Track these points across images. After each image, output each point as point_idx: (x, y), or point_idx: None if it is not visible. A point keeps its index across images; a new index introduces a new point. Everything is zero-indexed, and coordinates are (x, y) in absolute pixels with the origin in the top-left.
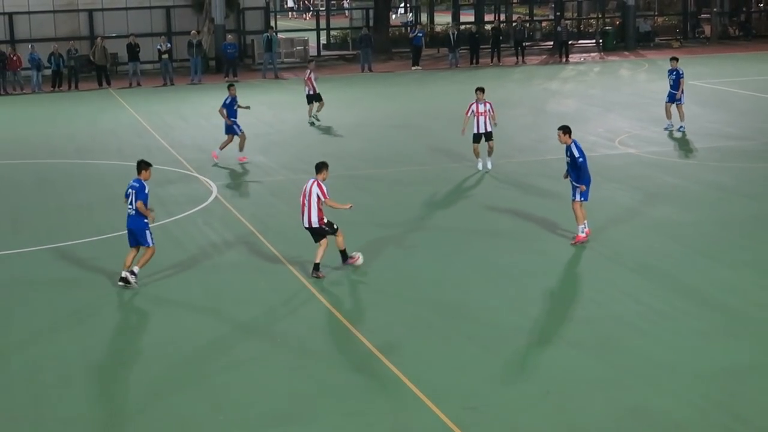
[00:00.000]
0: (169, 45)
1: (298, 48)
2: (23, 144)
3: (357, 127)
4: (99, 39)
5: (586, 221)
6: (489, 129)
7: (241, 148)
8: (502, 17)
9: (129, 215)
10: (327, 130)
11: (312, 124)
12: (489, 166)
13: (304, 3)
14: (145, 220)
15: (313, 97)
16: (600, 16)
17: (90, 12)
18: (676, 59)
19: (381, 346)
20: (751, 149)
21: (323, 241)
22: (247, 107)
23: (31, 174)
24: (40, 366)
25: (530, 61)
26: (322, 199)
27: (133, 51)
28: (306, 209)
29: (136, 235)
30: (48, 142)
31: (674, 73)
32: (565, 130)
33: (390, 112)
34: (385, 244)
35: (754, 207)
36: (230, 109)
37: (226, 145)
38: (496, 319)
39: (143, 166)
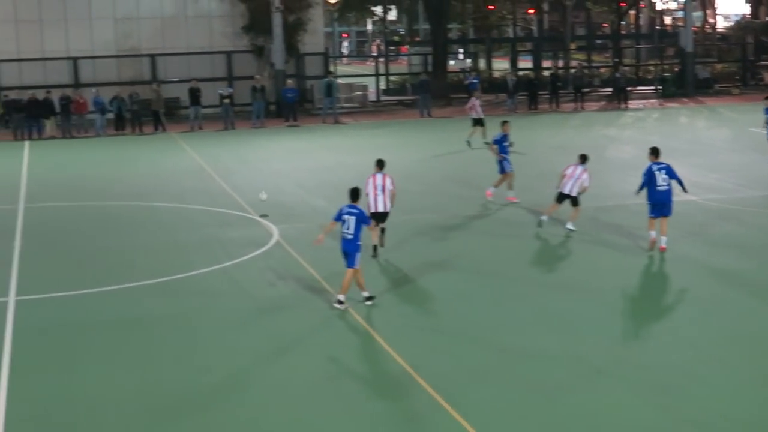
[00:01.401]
0: (231, 90)
1: (357, 93)
2: (87, 186)
3: (416, 171)
4: (155, 84)
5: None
6: (574, 193)
7: (510, 187)
8: (560, 63)
9: (345, 239)
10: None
11: (468, 144)
12: (571, 226)
13: (362, 49)
14: (359, 243)
15: (478, 122)
16: (659, 62)
17: (152, 57)
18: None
19: (445, 394)
20: None
21: (381, 227)
22: (508, 145)
23: (95, 216)
24: (101, 407)
25: (589, 107)
26: (390, 188)
27: (194, 95)
28: (379, 197)
29: (349, 257)
30: (111, 184)
31: None
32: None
33: (449, 157)
34: (444, 288)
35: None
36: (501, 145)
37: (500, 183)
38: (556, 366)
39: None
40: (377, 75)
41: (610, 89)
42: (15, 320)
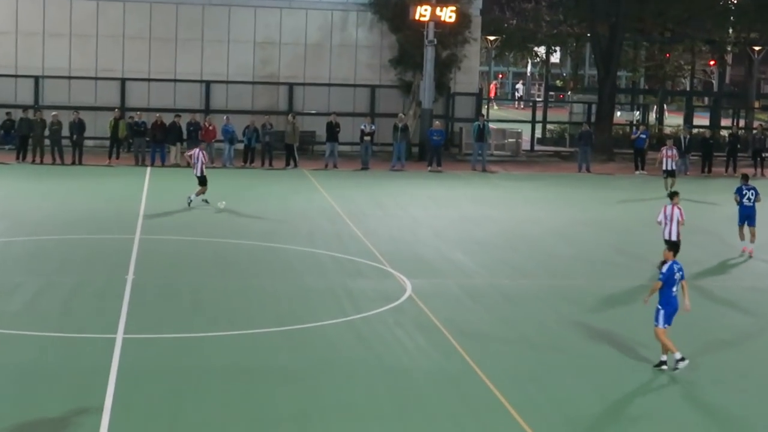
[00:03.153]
0: (373, 127)
1: (509, 140)
2: (209, 221)
3: (569, 231)
4: (290, 116)
5: None
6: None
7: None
8: (741, 123)
9: (674, 299)
10: (536, 232)
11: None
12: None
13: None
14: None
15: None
16: None
17: (290, 86)
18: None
19: None
20: None
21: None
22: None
23: (214, 253)
24: None
25: None
26: (681, 220)
27: (332, 130)
28: (670, 227)
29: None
30: (234, 220)
31: None
32: None
33: (607, 217)
34: (597, 368)
35: None
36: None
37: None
38: None
39: None
40: (533, 122)
41: None
42: (121, 360)
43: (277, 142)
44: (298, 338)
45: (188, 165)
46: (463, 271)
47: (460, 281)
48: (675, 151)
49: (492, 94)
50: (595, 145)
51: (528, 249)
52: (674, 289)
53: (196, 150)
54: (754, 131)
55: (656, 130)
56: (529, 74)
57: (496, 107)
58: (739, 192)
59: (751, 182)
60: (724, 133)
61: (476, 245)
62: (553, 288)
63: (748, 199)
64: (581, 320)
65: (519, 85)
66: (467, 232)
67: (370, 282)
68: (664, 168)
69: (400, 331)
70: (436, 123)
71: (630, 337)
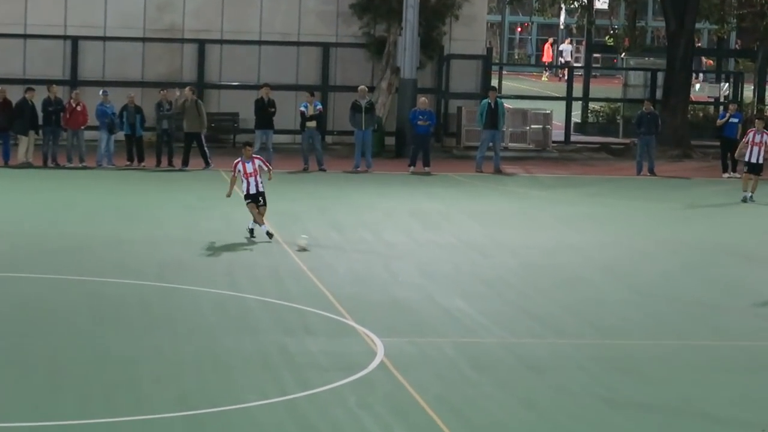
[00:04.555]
0: (320, 106)
1: (533, 127)
2: (77, 251)
3: (622, 267)
4: (188, 90)
5: None
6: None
7: None
8: None
9: None
10: (575, 268)
11: None
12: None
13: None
14: None
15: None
16: None
17: (200, 44)
18: None
19: None
20: None
21: None
22: None
23: (87, 300)
24: None
25: None
26: None
27: (264, 111)
28: None
29: None
30: (116, 251)
31: None
32: None
33: (682, 244)
34: None
35: None
36: None
37: None
38: None
39: None
40: (569, 99)
41: None
42: None
43: (179, 129)
44: (209, 428)
45: (46, 165)
46: (463, 326)
47: (458, 341)
48: (766, 138)
49: (548, 58)
50: (662, 135)
51: (562, 292)
52: None
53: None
54: None
55: (754, 111)
56: (562, 27)
57: (698, 87)
58: None
59: None
60: None
61: (484, 286)
62: (601, 351)
63: None
64: (641, 399)
65: (565, 46)
66: (470, 266)
67: (321, 342)
68: (747, 159)
69: (366, 416)
70: (423, 100)
71: (714, 417)
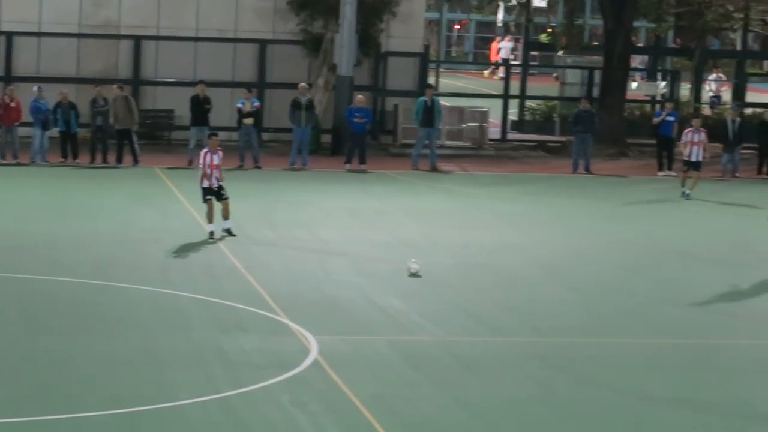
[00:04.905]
0: (257, 103)
1: (470, 125)
2: (7, 250)
3: (560, 266)
4: (116, 87)
5: None
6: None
7: None
8: None
9: None
10: (513, 266)
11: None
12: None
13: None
14: None
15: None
16: None
17: (137, 39)
18: None
19: None
20: None
21: None
22: None
23: (18, 298)
24: None
25: None
26: None
27: (199, 108)
28: None
29: None
30: (49, 246)
31: None
32: None
33: (618, 243)
34: None
35: None
36: None
37: None
38: None
39: None
40: (506, 97)
41: None
42: None
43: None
44: (142, 426)
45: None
46: (398, 324)
47: (393, 339)
48: (703, 136)
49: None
50: (599, 133)
51: (500, 291)
52: None
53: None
54: None
55: (691, 110)
56: (500, 24)
57: (635, 86)
58: None
59: None
60: None
61: (420, 285)
62: (538, 349)
63: None
64: (576, 397)
65: (505, 43)
66: (407, 264)
67: (255, 340)
68: (687, 158)
69: (299, 414)
70: (360, 98)
71: (648, 415)
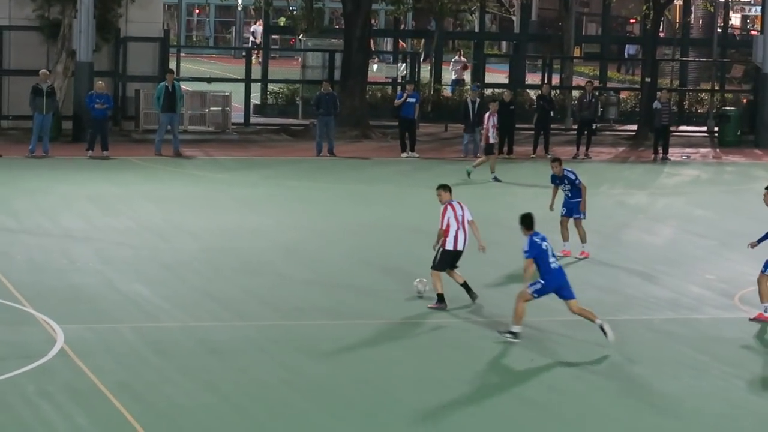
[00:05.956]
0: None
1: (212, 109)
2: None
3: (303, 249)
4: None
5: None
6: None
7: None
8: (556, 79)
9: (555, 270)
10: (257, 251)
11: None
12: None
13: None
14: None
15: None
16: (716, 88)
17: None
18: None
19: None
20: None
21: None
22: None
23: None
24: None
25: (598, 155)
26: (470, 219)
27: None
28: (464, 233)
29: (567, 287)
30: None
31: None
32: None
33: (361, 224)
34: None
35: None
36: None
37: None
38: None
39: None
40: (248, 80)
41: (635, 127)
42: None
43: None
44: None
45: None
46: (143, 311)
47: (138, 326)
48: (496, 119)
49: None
50: (341, 115)
51: (244, 275)
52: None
53: None
54: (578, 92)
55: (430, 92)
56: (240, 8)
57: (375, 68)
58: (556, 181)
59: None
60: (533, 94)
61: (164, 271)
62: (282, 333)
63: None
64: (320, 379)
65: (257, 27)
66: (150, 251)
67: None
68: (492, 142)
69: (45, 404)
70: (100, 84)
71: (392, 394)
